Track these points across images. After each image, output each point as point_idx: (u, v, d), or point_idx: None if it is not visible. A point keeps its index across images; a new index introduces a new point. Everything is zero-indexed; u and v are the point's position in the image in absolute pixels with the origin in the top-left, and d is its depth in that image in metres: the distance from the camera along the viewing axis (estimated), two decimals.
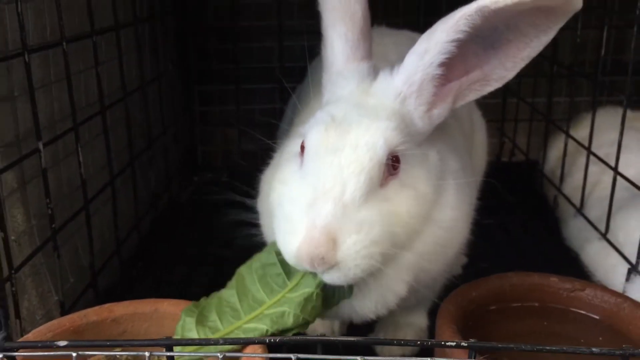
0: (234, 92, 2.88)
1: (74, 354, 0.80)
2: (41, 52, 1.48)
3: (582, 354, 0.80)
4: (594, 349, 0.79)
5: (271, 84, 2.93)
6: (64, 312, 1.51)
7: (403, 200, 1.21)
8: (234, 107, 2.90)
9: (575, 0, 1.15)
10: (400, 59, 1.28)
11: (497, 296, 1.43)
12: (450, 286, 1.46)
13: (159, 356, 0.88)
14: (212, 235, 2.20)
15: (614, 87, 2.41)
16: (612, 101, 2.39)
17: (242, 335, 0.99)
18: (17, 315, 1.30)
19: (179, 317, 1.27)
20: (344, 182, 1.14)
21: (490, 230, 2.16)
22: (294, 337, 0.81)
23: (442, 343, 0.81)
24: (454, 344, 0.80)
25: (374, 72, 1.33)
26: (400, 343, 0.80)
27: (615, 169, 1.79)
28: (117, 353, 1.02)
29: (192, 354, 0.87)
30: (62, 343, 0.80)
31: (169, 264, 2.05)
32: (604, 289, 1.41)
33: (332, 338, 0.81)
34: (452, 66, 1.25)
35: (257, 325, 1.04)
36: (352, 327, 1.56)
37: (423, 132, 1.29)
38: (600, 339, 1.35)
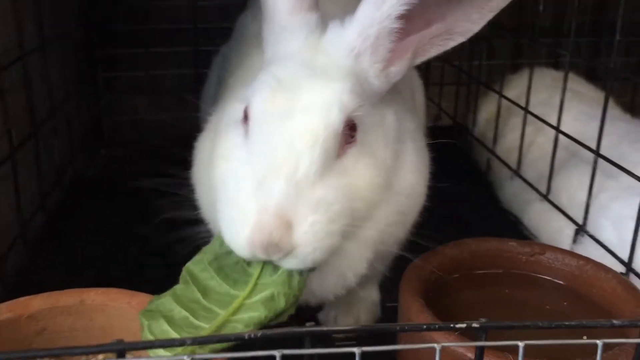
0: (142, 56, 2.63)
1: None
2: None
3: (603, 327, 0.71)
4: (614, 322, 0.70)
5: (184, 46, 2.71)
6: None
7: (362, 171, 1.08)
8: (142, 74, 2.66)
9: None
10: (339, 9, 1.14)
11: (457, 264, 1.35)
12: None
13: None
14: (129, 212, 2.00)
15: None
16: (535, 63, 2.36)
17: (241, 328, 0.85)
18: None
19: (109, 308, 1.10)
20: (297, 155, 0.99)
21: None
22: (279, 330, 0.67)
23: (451, 325, 0.69)
24: (464, 325, 0.69)
25: (323, 24, 1.17)
26: (404, 329, 0.68)
27: (557, 128, 1.76)
28: None
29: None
30: None
31: (84, 244, 1.83)
32: (565, 251, 1.36)
33: (325, 328, 0.67)
34: (411, 18, 1.12)
35: (251, 314, 0.90)
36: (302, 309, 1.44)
37: (379, 92, 1.17)
38: (565, 303, 1.30)
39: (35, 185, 1.81)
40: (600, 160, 1.58)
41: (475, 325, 0.70)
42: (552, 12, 2.63)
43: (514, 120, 2.14)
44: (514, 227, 1.94)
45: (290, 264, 0.99)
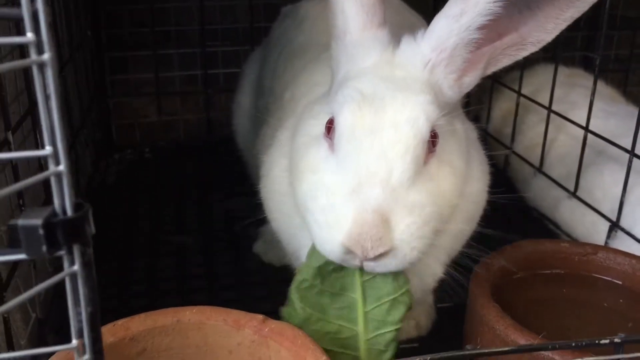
0: (149, 58, 2.61)
1: None
2: None
3: None
4: None
5: (192, 48, 2.70)
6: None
7: (444, 178, 1.12)
8: (151, 75, 2.65)
9: None
10: (400, 20, 1.18)
11: (516, 266, 1.40)
12: None
13: None
14: (160, 220, 2.01)
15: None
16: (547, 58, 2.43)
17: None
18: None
19: (205, 326, 1.12)
20: (390, 164, 1.03)
21: None
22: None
23: (596, 342, 0.74)
24: (607, 341, 0.74)
25: (395, 40, 1.21)
26: (555, 347, 0.73)
27: (586, 128, 1.82)
28: None
29: None
30: None
31: (122, 259, 1.83)
32: (616, 251, 1.43)
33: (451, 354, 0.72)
34: (486, 29, 1.15)
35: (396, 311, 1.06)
36: None
37: (451, 103, 1.21)
38: (621, 301, 1.37)
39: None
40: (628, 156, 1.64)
41: (617, 340, 0.75)
42: None
43: (532, 118, 2.21)
44: (539, 223, 2.01)
45: (388, 265, 1.03)
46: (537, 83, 2.31)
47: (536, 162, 2.08)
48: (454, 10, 1.12)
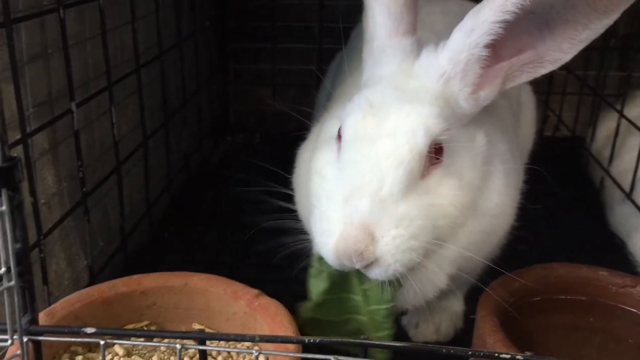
0: (269, 50, 2.79)
1: (102, 342, 0.76)
2: (76, 7, 1.41)
3: None
4: None
5: (309, 44, 2.84)
6: (92, 276, 1.48)
7: (446, 191, 1.13)
8: (269, 66, 2.83)
9: None
10: (448, 30, 1.19)
11: (542, 287, 1.36)
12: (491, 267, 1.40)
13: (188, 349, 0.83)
14: (244, 200, 2.15)
15: None
16: None
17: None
18: (45, 281, 1.27)
19: (208, 292, 1.24)
20: (382, 175, 1.06)
21: (530, 209, 2.08)
22: (337, 339, 0.76)
23: (495, 355, 0.74)
24: (509, 357, 0.74)
25: (418, 48, 1.23)
26: (449, 352, 0.74)
27: None
28: (142, 343, 0.97)
29: None
30: (90, 330, 0.76)
31: (200, 229, 2.01)
32: None
33: (376, 342, 0.75)
34: (502, 45, 1.15)
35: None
36: None
37: (469, 114, 1.21)
38: None
39: (163, 169, 2.01)
40: None
41: (519, 357, 0.74)
42: None
43: (633, 140, 2.06)
44: (618, 252, 1.88)
45: (374, 273, 1.08)
46: None
47: (627, 188, 1.94)
48: (467, 25, 1.13)
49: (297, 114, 3.14)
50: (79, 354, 1.12)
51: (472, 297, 1.56)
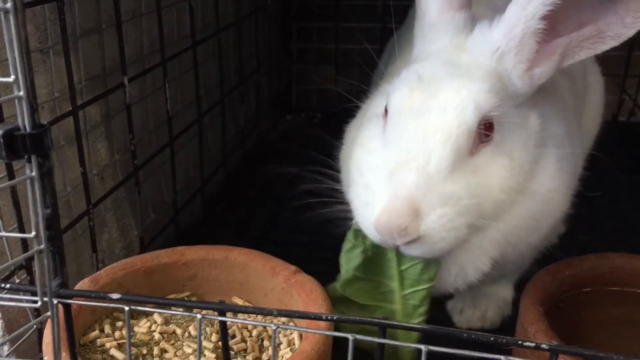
0: (333, 30, 2.77)
1: (127, 308, 0.78)
2: None
3: None
4: None
5: (373, 22, 2.80)
6: (143, 247, 1.52)
7: (495, 171, 1.09)
8: (333, 46, 2.81)
9: None
10: (507, 5, 1.14)
11: (595, 278, 1.29)
12: (546, 255, 1.34)
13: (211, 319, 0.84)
14: (297, 180, 2.16)
15: None
16: None
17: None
18: (94, 249, 1.32)
19: (248, 267, 1.25)
20: (429, 150, 1.03)
21: (595, 198, 1.98)
22: (354, 318, 0.74)
23: (519, 342, 0.71)
24: (533, 345, 0.70)
25: (472, 24, 1.18)
26: (471, 336, 0.72)
27: None
28: (168, 311, 0.99)
29: None
30: (115, 296, 0.78)
31: (253, 205, 2.03)
32: None
33: (395, 323, 0.74)
34: (561, 19, 1.09)
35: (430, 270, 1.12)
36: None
37: (523, 94, 1.15)
38: None
39: (219, 146, 2.04)
40: None
41: (544, 346, 0.71)
42: None
43: None
44: None
45: (414, 251, 1.05)
46: None
47: None
48: None
49: (359, 94, 3.12)
50: (120, 320, 1.16)
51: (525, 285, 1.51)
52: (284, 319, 1.11)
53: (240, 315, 1.15)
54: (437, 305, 1.53)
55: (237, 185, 2.16)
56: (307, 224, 1.88)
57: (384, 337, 0.75)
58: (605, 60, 1.71)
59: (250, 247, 1.28)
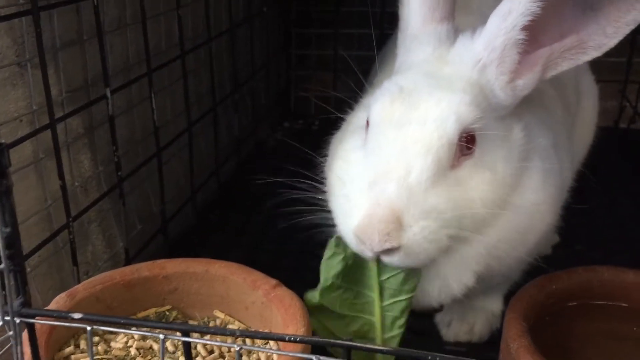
0: (332, 36, 2.76)
1: (89, 328, 0.77)
2: None
3: None
4: None
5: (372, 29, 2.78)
6: (128, 258, 1.52)
7: (476, 185, 1.07)
8: (332, 52, 2.79)
9: None
10: (486, 12, 1.12)
11: (583, 291, 1.27)
12: (537, 267, 1.32)
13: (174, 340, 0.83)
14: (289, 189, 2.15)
15: None
16: None
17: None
18: (74, 262, 1.30)
19: (228, 280, 1.24)
20: (409, 162, 1.02)
21: (593, 207, 1.95)
22: (318, 339, 0.73)
23: None
24: None
25: (454, 35, 1.17)
26: (435, 358, 0.70)
27: None
28: (131, 332, 0.98)
29: None
30: (77, 315, 0.77)
31: (245, 214, 2.01)
32: None
33: (359, 345, 0.72)
34: (542, 30, 1.08)
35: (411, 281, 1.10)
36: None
37: (506, 106, 1.14)
38: None
39: (211, 154, 2.03)
40: None
41: None
42: None
43: None
44: None
45: (395, 260, 1.03)
46: None
47: None
48: (504, 8, 1.07)
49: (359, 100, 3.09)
50: (97, 335, 1.15)
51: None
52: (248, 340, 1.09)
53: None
54: (426, 317, 1.52)
55: (230, 194, 2.15)
56: (299, 233, 1.88)
57: (349, 359, 0.74)
58: (604, 65, 1.69)
59: (243, 256, 1.27)
